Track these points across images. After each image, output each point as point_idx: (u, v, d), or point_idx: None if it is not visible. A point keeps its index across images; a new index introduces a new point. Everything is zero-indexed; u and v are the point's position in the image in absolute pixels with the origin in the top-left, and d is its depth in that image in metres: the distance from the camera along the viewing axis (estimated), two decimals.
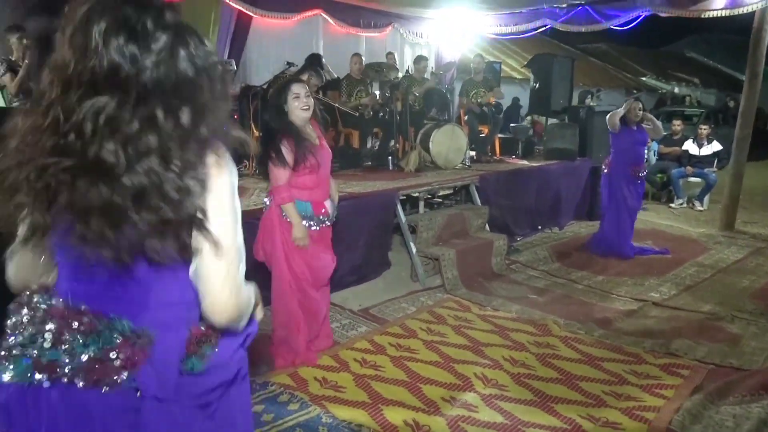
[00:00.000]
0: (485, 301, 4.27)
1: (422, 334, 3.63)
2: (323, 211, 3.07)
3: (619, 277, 4.90)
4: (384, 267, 4.74)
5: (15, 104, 4.47)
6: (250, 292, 1.15)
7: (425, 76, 7.46)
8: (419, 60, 7.32)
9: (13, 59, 4.63)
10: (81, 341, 1.01)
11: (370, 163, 6.42)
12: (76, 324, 1.02)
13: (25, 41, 4.58)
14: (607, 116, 5.38)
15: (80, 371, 1.00)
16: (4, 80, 4.54)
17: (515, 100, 10.72)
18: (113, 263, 0.99)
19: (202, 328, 1.10)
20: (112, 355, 1.01)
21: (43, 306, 1.05)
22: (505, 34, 9.29)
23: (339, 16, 8.19)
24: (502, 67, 11.21)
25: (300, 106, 2.90)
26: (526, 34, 9.17)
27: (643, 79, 17.17)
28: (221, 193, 1.03)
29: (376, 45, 8.90)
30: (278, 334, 3.15)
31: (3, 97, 4.58)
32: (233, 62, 5.68)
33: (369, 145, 6.89)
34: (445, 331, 3.68)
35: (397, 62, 8.02)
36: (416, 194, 5.19)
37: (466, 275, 4.63)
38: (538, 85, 7.98)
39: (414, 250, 4.62)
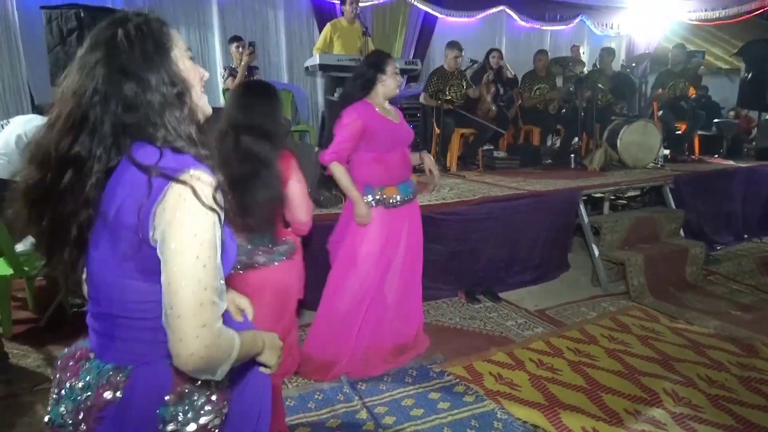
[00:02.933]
0: (677, 312, 3.92)
1: (603, 341, 3.45)
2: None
3: None
4: (563, 269, 4.59)
5: None
6: (230, 338, 1.00)
7: (614, 68, 7.01)
8: (606, 52, 6.89)
9: (233, 66, 5.35)
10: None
11: (550, 161, 6.22)
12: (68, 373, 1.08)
13: (241, 49, 5.25)
14: None
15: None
16: (228, 84, 5.26)
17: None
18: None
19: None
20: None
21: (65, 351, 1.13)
22: (712, 20, 8.36)
23: (523, 10, 8.08)
24: (706, 56, 10.05)
25: (397, 82, 2.85)
26: (738, 19, 8.16)
27: None
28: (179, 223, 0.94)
29: (560, 39, 8.59)
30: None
31: (225, 98, 5.31)
32: (418, 62, 5.89)
33: (549, 142, 6.69)
34: (629, 340, 3.46)
35: (583, 55, 7.64)
36: (600, 194, 4.93)
37: (655, 283, 4.29)
38: (750, 75, 7.03)
39: (597, 252, 4.40)
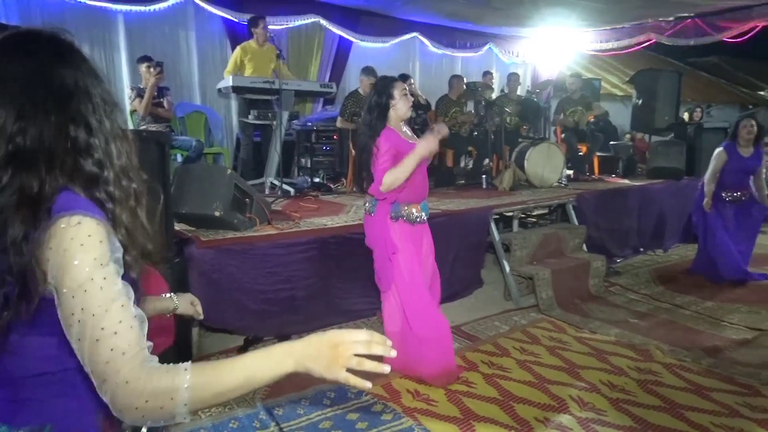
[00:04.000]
0: (582, 323, 4.15)
1: (515, 353, 3.59)
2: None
3: (731, 304, 4.57)
4: (476, 285, 4.74)
5: (142, 126, 4.98)
6: (168, 380, 0.88)
7: (519, 93, 7.42)
8: (513, 78, 7.30)
9: (141, 86, 5.17)
10: None
11: (463, 181, 6.46)
12: None
13: (151, 69, 5.09)
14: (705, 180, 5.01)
15: None
16: (135, 105, 5.07)
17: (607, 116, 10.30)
18: None
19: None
20: None
21: None
22: (606, 50, 9.05)
23: (435, 37, 8.38)
24: (602, 84, 10.85)
25: (407, 103, 3.00)
26: (629, 50, 8.88)
27: (762, 93, 15.88)
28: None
29: (471, 65, 8.98)
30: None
31: (132, 121, 5.11)
32: (333, 85, 5.96)
33: (463, 164, 6.94)
34: (539, 351, 3.62)
35: (494, 82, 8.04)
36: (510, 213, 5.16)
37: (562, 296, 4.52)
38: (641, 101, 7.66)
39: (507, 268, 4.59)
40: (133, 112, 5.12)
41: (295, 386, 3.01)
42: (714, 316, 4.31)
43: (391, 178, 2.88)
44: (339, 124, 5.92)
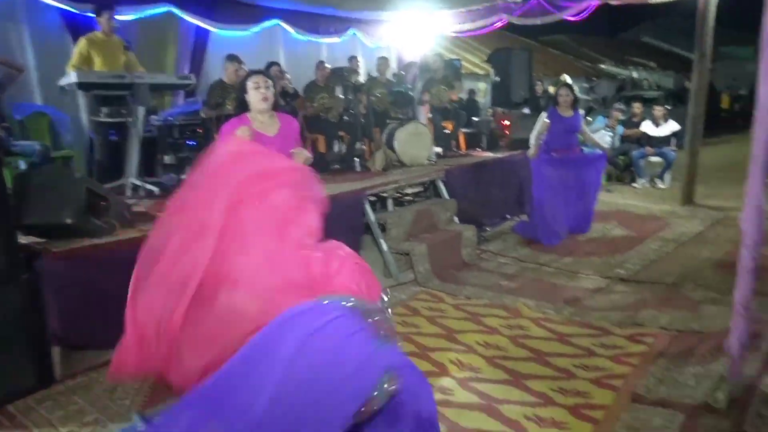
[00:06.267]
0: (457, 290, 4.37)
1: (398, 327, 3.70)
2: None
3: (587, 258, 5.04)
4: None
5: None
6: None
7: (387, 76, 7.57)
8: (380, 61, 7.43)
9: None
10: None
11: (338, 166, 6.49)
12: None
13: None
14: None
15: None
16: None
17: (471, 94, 10.90)
18: None
19: None
20: None
21: None
22: (464, 31, 9.48)
23: (297, 24, 8.27)
24: (463, 63, 11.38)
25: (257, 95, 2.99)
26: (484, 30, 9.37)
27: (602, 66, 17.56)
28: None
29: (336, 51, 8.98)
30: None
31: None
32: (192, 77, 5.69)
33: (336, 149, 6.97)
34: (419, 322, 3.77)
35: (360, 66, 8.12)
36: (384, 193, 5.27)
37: (438, 267, 4.73)
38: (499, 78, 8.16)
39: (385, 247, 4.70)
40: None
41: (174, 393, 2.88)
42: (572, 270, 4.74)
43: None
44: (203, 114, 5.70)
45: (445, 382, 2.95)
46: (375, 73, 7.43)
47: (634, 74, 17.62)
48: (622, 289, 4.27)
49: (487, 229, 5.99)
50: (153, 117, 5.74)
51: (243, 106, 3.07)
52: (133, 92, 4.71)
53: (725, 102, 17.87)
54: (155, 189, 4.92)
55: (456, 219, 5.49)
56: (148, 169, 5.48)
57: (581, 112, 5.96)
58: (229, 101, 5.49)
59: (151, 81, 4.90)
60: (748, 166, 2.34)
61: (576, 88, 6.09)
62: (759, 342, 2.90)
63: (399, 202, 5.74)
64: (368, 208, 4.81)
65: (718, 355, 2.96)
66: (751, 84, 21.38)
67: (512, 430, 2.50)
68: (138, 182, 4.89)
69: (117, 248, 3.23)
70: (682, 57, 20.34)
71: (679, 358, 3.00)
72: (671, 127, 8.35)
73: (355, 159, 6.27)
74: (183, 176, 5.50)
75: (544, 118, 5.50)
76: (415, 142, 6.16)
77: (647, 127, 8.42)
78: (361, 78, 7.58)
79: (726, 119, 16.52)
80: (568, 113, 5.46)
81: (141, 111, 4.95)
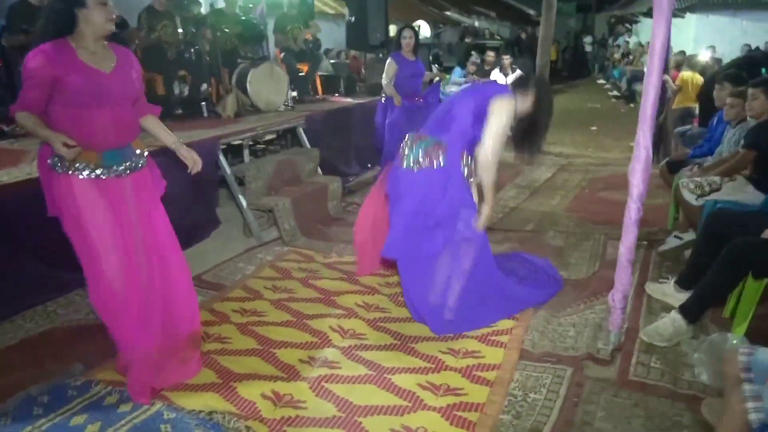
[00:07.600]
0: (327, 247, 4.08)
1: (268, 293, 3.33)
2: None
3: None
4: (213, 225, 4.29)
5: None
6: None
7: (236, 10, 6.77)
8: None
9: None
10: None
11: (180, 111, 5.69)
12: None
13: None
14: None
15: None
16: None
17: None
18: None
19: None
20: None
21: None
22: None
23: None
24: (315, 2, 10.71)
25: (106, 15, 2.14)
26: None
27: (447, 13, 17.86)
28: None
29: None
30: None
31: None
32: None
33: (177, 91, 6.12)
34: (292, 286, 3.42)
35: None
36: (239, 142, 4.73)
37: (304, 223, 4.38)
38: (354, 19, 7.73)
39: (244, 203, 4.23)
40: None
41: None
42: None
43: (21, 122, 2.15)
44: (5, 42, 4.61)
45: (329, 353, 2.68)
46: (221, 4, 6.58)
47: (476, 23, 18.23)
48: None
49: (351, 179, 5.73)
50: None
51: (65, 26, 2.13)
52: None
53: (552, 55, 19.31)
54: None
55: (319, 170, 5.14)
56: None
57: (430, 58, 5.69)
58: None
59: None
60: (637, 122, 2.30)
61: (420, 34, 5.78)
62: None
63: (253, 152, 5.22)
64: (223, 159, 4.26)
65: (591, 303, 3.05)
66: (574, 38, 23.45)
67: (407, 401, 2.31)
68: None
69: None
70: (517, 9, 21.47)
71: (555, 309, 3.04)
72: (517, 76, 8.68)
73: (202, 103, 5.55)
74: None
75: (390, 62, 5.09)
76: (270, 84, 5.61)
77: (496, 75, 8.66)
78: (203, 9, 6.70)
79: (554, 70, 17.87)
80: (411, 56, 5.14)
81: None
